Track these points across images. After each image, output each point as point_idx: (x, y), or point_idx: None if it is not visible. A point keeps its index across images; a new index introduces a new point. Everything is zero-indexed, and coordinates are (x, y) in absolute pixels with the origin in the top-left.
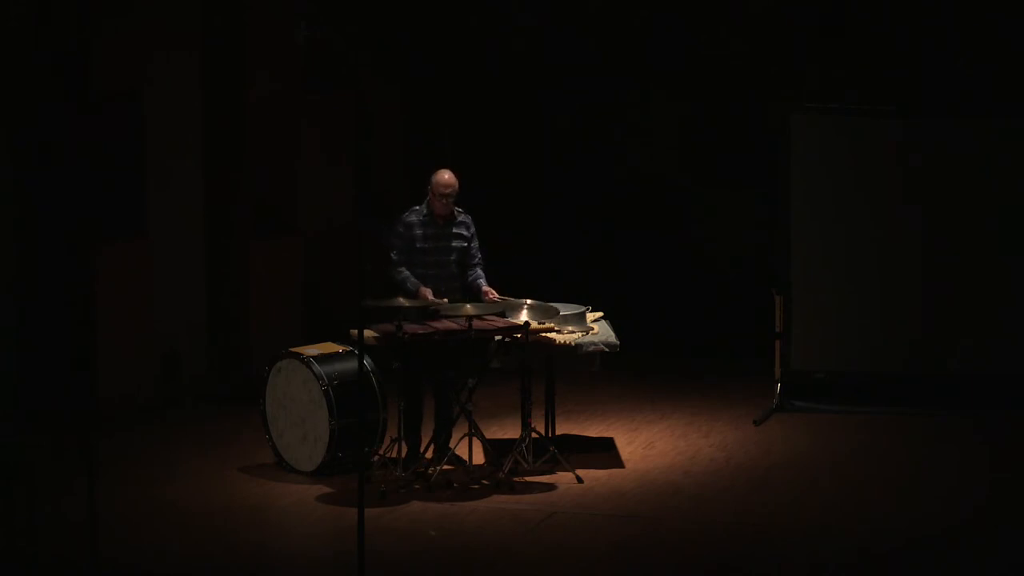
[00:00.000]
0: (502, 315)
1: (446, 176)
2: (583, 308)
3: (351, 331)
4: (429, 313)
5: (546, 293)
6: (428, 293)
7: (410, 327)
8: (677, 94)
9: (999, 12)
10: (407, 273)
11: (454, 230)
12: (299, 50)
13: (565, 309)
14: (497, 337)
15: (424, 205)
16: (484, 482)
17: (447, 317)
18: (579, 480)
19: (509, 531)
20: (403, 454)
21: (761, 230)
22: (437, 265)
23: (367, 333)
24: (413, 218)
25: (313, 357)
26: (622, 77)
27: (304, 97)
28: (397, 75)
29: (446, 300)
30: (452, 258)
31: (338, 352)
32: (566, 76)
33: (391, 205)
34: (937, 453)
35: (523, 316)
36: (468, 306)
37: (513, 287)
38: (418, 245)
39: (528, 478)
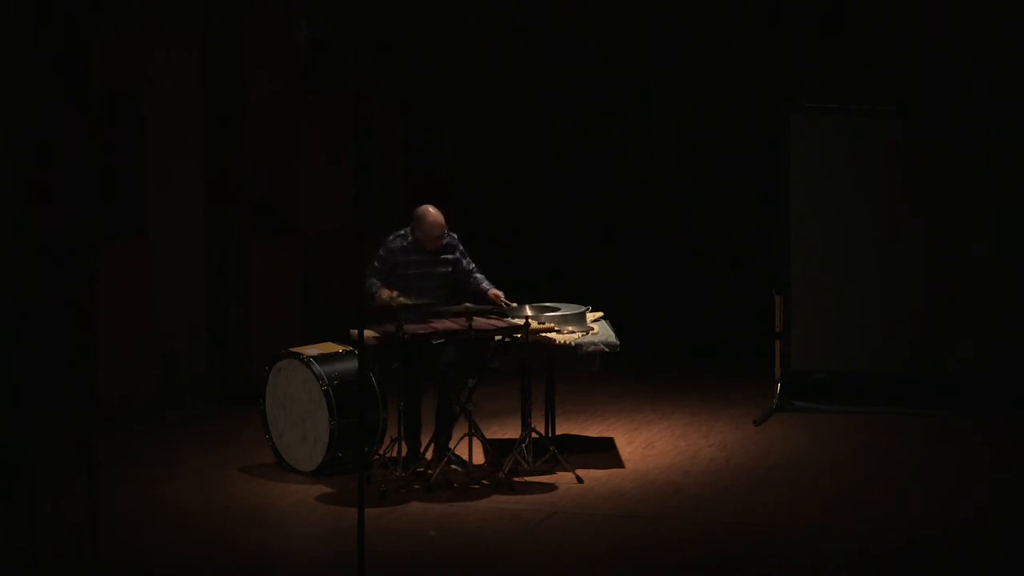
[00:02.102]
0: (502, 315)
1: (431, 219)
2: (583, 308)
3: (351, 331)
4: (430, 313)
5: (546, 293)
6: (386, 293)
7: (410, 327)
8: (677, 94)
9: (999, 12)
10: (375, 280)
11: (441, 256)
12: (299, 50)
13: (565, 309)
14: (497, 337)
15: (409, 232)
16: (484, 482)
17: (447, 317)
18: (579, 480)
19: (509, 531)
20: (403, 454)
21: (761, 230)
22: (419, 291)
23: (367, 333)
24: (397, 244)
25: (313, 357)
26: (622, 77)
27: (304, 97)
28: (397, 75)
29: (397, 295)
30: (434, 283)
31: (338, 352)
32: (566, 76)
33: (391, 205)
34: (937, 453)
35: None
36: (468, 305)
37: (513, 287)
38: (399, 271)
39: (528, 478)
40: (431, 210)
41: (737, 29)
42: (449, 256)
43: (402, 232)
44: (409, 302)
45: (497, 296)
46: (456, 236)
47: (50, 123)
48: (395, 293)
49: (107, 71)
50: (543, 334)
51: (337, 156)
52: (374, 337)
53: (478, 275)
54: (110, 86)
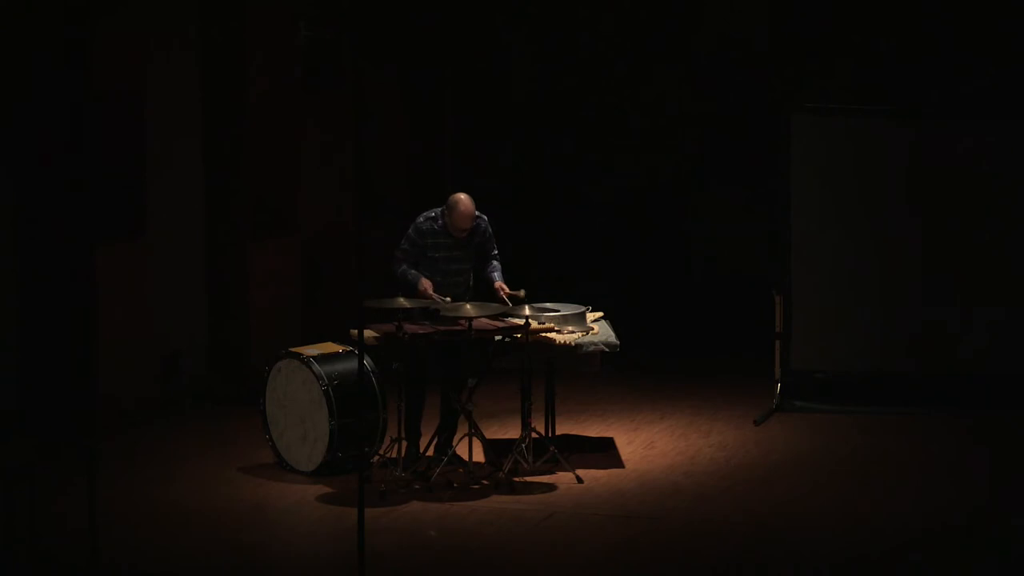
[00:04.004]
0: (502, 315)
1: (461, 209)
2: (583, 308)
3: (351, 331)
4: (430, 313)
5: (546, 293)
6: (429, 286)
7: (410, 327)
8: (677, 94)
9: (999, 12)
10: (407, 267)
11: (470, 239)
12: (299, 50)
13: (565, 309)
14: (497, 337)
15: (440, 216)
16: (484, 482)
17: (447, 317)
18: (579, 480)
19: (509, 531)
20: (403, 454)
21: (761, 229)
22: (444, 273)
23: (367, 333)
24: (427, 226)
25: (313, 357)
26: (622, 77)
27: (304, 97)
28: (397, 75)
29: (448, 299)
30: (461, 267)
31: (338, 352)
32: (567, 76)
33: (391, 205)
34: (937, 453)
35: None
36: (468, 306)
37: (513, 287)
38: (429, 254)
39: (528, 478)
40: (463, 198)
41: (738, 29)
42: (477, 240)
43: (433, 214)
44: (444, 304)
45: (500, 288)
46: (487, 219)
47: (50, 123)
48: (431, 288)
49: (107, 71)
50: (543, 334)
51: (337, 156)
52: (374, 337)
53: (495, 263)
54: (110, 86)
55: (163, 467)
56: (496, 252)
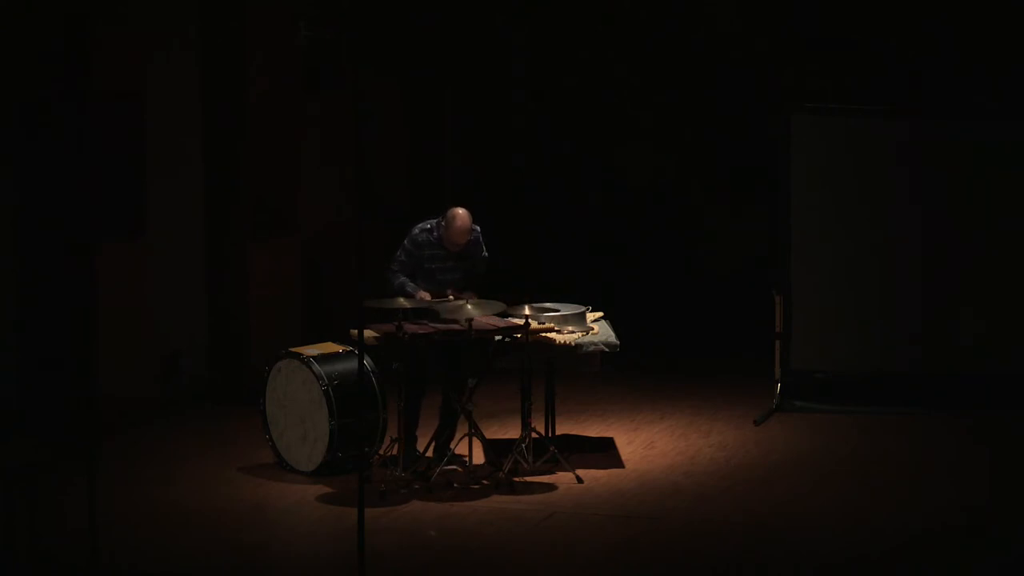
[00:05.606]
0: (503, 315)
1: (458, 225)
2: (583, 308)
3: (351, 331)
4: (429, 313)
5: (546, 293)
6: (427, 296)
7: (410, 327)
8: (677, 94)
9: (999, 12)
10: (404, 279)
11: (467, 250)
12: (299, 50)
13: (565, 309)
14: (497, 337)
15: (436, 227)
16: (484, 482)
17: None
18: (579, 480)
19: (509, 531)
20: (403, 454)
21: (761, 229)
22: (440, 284)
23: (367, 333)
24: (423, 237)
25: (313, 357)
26: (623, 77)
27: (304, 97)
28: (397, 75)
29: (451, 296)
30: (456, 276)
31: (338, 352)
32: (567, 75)
33: (391, 205)
34: (937, 453)
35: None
36: (468, 306)
37: (513, 287)
38: (424, 265)
39: (528, 478)
40: (460, 213)
41: (737, 29)
42: (472, 252)
43: (428, 226)
44: (448, 303)
45: (451, 293)
46: (479, 229)
47: (50, 123)
48: (429, 298)
49: (107, 71)
50: (543, 334)
51: (337, 156)
52: (374, 337)
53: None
54: (110, 86)
55: (163, 467)
56: (484, 254)
